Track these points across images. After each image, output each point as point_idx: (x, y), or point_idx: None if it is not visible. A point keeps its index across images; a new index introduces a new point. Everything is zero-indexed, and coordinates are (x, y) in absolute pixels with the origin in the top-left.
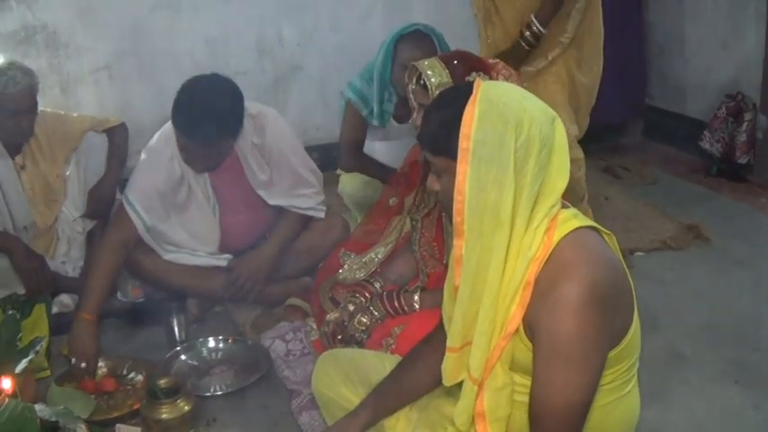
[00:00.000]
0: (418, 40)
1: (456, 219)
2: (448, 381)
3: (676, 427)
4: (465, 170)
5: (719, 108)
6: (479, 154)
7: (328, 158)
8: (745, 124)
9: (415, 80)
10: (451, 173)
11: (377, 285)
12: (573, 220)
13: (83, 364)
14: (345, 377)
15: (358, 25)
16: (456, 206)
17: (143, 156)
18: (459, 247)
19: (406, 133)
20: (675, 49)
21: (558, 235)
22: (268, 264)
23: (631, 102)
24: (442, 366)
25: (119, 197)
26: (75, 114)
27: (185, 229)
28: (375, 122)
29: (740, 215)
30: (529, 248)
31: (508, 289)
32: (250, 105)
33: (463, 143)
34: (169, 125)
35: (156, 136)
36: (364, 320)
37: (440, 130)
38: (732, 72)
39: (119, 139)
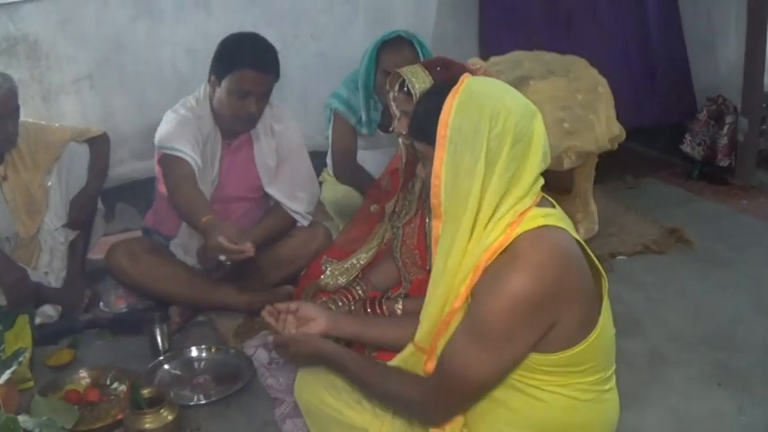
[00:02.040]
0: (400, 46)
1: (434, 201)
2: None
3: (659, 430)
4: (442, 156)
5: (701, 111)
6: (455, 141)
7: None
8: (726, 127)
9: (397, 87)
10: (432, 159)
11: (359, 290)
12: (541, 218)
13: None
14: (328, 384)
15: (339, 33)
16: (433, 189)
17: (170, 116)
18: (437, 228)
19: (393, 142)
20: None
21: (520, 229)
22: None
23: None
24: (401, 354)
25: (101, 207)
26: (56, 125)
27: None
28: (364, 131)
29: (722, 218)
30: (487, 237)
31: (462, 270)
32: (271, 116)
33: (441, 130)
34: (190, 97)
35: (178, 105)
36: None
37: (424, 117)
38: (713, 75)
39: (100, 148)
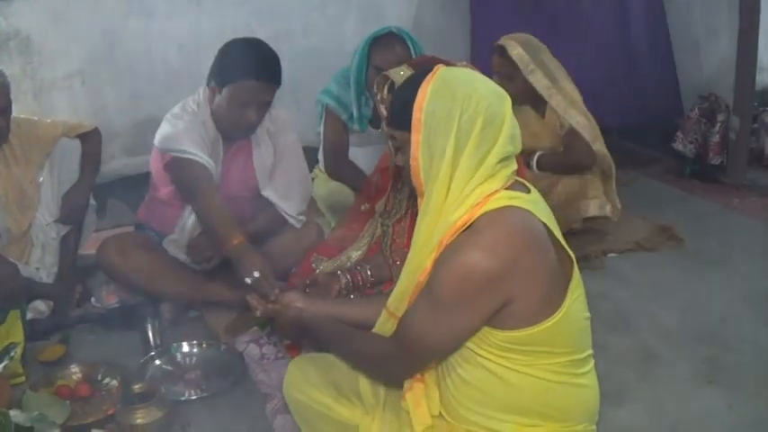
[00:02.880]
0: (392, 42)
1: (415, 181)
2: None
3: (650, 428)
4: (417, 139)
5: (692, 109)
6: (429, 124)
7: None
8: (718, 125)
9: (386, 89)
10: (409, 145)
11: (368, 270)
12: (506, 199)
13: (258, 275)
14: (317, 381)
15: (330, 29)
16: (413, 171)
17: (173, 120)
18: (422, 204)
19: (385, 138)
20: None
21: (484, 209)
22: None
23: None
24: (378, 322)
25: (92, 203)
26: (47, 120)
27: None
28: (355, 127)
29: (713, 216)
30: (452, 214)
31: (427, 246)
32: (270, 121)
33: (416, 114)
34: (189, 101)
35: (177, 109)
36: None
37: (400, 106)
38: (705, 74)
39: (92, 144)
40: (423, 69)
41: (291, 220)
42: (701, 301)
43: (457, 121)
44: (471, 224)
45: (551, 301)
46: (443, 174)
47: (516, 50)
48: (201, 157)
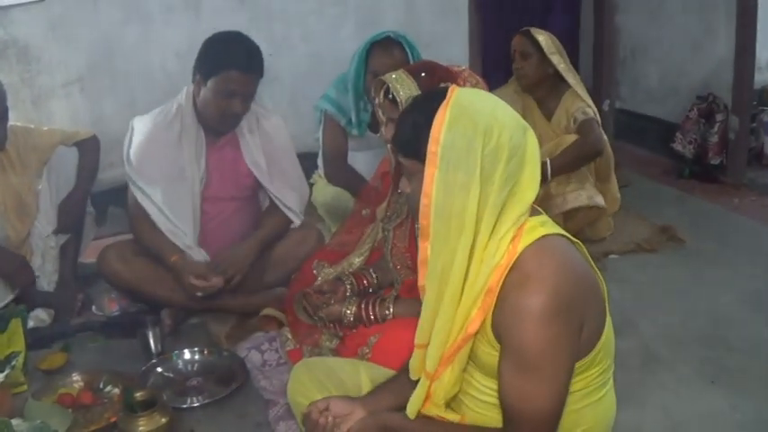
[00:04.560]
0: (389, 47)
1: (422, 222)
2: (413, 374)
3: (653, 429)
4: (432, 173)
5: (691, 110)
6: (447, 158)
7: (302, 168)
8: (716, 125)
9: (382, 94)
10: (421, 176)
11: (372, 274)
12: (540, 228)
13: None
14: (320, 385)
15: (329, 35)
16: (422, 209)
17: (137, 133)
18: (425, 249)
19: (384, 143)
20: (646, 51)
21: (522, 243)
22: (249, 255)
23: None
24: (410, 361)
25: (91, 210)
26: (44, 128)
27: (165, 202)
28: (354, 132)
29: (713, 216)
30: (493, 256)
31: (471, 293)
32: (258, 110)
33: (432, 147)
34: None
35: (147, 116)
36: (349, 314)
37: (411, 132)
38: (703, 73)
39: (89, 151)
40: (434, 91)
41: (292, 216)
42: (703, 302)
43: (480, 156)
44: (515, 263)
45: (598, 323)
46: (469, 215)
47: (542, 35)
48: (145, 192)
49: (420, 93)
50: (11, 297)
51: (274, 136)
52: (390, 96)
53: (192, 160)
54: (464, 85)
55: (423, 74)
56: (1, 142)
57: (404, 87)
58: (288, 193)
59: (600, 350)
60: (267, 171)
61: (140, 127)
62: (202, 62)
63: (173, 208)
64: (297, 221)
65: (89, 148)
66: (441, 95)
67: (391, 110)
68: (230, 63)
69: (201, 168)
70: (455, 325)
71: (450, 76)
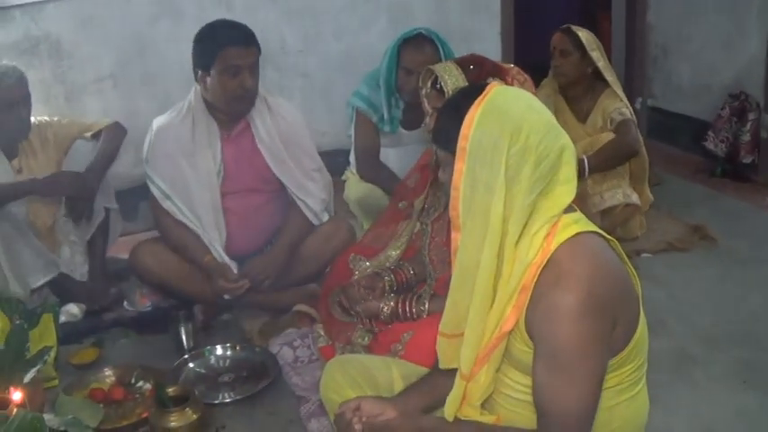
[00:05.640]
0: (421, 44)
1: (452, 213)
2: (442, 363)
3: (684, 429)
4: (461, 168)
5: (723, 108)
6: (474, 154)
7: (334, 165)
8: (749, 124)
9: (429, 84)
10: (452, 168)
11: (410, 270)
12: (573, 225)
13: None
14: (353, 382)
15: (361, 31)
16: (452, 201)
17: (151, 138)
18: (456, 239)
19: (416, 139)
20: (678, 49)
21: (557, 241)
22: (278, 263)
23: None
24: (437, 348)
25: (115, 206)
26: (63, 120)
27: (184, 201)
28: (386, 129)
29: (745, 215)
30: (526, 254)
31: (505, 291)
32: (264, 92)
33: (461, 142)
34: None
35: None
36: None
37: (446, 125)
38: (735, 72)
39: (107, 137)
40: (475, 85)
41: (311, 216)
42: (735, 302)
43: (505, 155)
44: (548, 261)
45: (632, 321)
46: (495, 214)
47: (582, 32)
48: (163, 191)
49: (467, 84)
50: (49, 277)
51: (289, 118)
52: (438, 86)
53: (207, 154)
54: (512, 83)
55: (471, 66)
56: (25, 129)
57: (451, 78)
58: (308, 185)
59: (634, 347)
60: (284, 159)
61: (156, 126)
62: (199, 56)
63: (192, 206)
64: (316, 222)
65: (107, 135)
66: (479, 92)
67: (437, 100)
68: (225, 42)
69: (218, 162)
70: (489, 324)
71: (499, 72)
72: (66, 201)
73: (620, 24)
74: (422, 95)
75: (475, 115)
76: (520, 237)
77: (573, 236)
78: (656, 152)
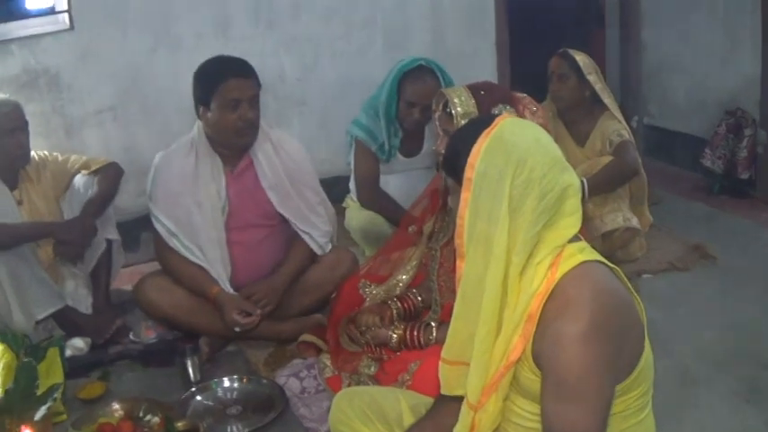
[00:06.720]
0: (422, 74)
1: (457, 241)
2: (444, 389)
3: None
4: (466, 197)
5: (719, 125)
6: (479, 185)
7: (333, 192)
8: (745, 140)
9: (441, 107)
10: (458, 195)
11: (418, 297)
12: (578, 254)
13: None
14: (362, 414)
15: (358, 58)
16: (458, 229)
17: (156, 169)
18: (461, 268)
19: (415, 165)
20: (673, 67)
21: (561, 270)
22: (279, 288)
23: None
24: (439, 374)
25: (117, 238)
26: (61, 156)
27: (189, 237)
28: (385, 157)
29: (744, 231)
30: (530, 284)
31: (511, 320)
32: (266, 126)
33: (468, 172)
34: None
35: (162, 154)
36: (394, 337)
37: (455, 154)
38: (731, 88)
39: (104, 178)
40: (486, 116)
41: (315, 247)
42: (736, 320)
43: (509, 186)
44: (553, 290)
45: (637, 346)
46: (499, 244)
47: (580, 56)
48: (168, 228)
49: (476, 110)
50: (54, 309)
51: (292, 153)
52: (448, 110)
53: (212, 190)
54: (523, 111)
55: (482, 92)
56: (26, 156)
57: (461, 102)
58: (312, 218)
59: (639, 373)
60: (289, 194)
61: (159, 163)
62: (199, 92)
63: (198, 243)
64: (319, 252)
65: (104, 176)
66: (489, 122)
67: (447, 122)
68: (223, 76)
69: (222, 198)
70: (496, 353)
71: (511, 100)
72: (56, 244)
73: (615, 43)
74: (434, 118)
75: (482, 146)
76: (524, 267)
77: (577, 265)
78: (654, 170)
